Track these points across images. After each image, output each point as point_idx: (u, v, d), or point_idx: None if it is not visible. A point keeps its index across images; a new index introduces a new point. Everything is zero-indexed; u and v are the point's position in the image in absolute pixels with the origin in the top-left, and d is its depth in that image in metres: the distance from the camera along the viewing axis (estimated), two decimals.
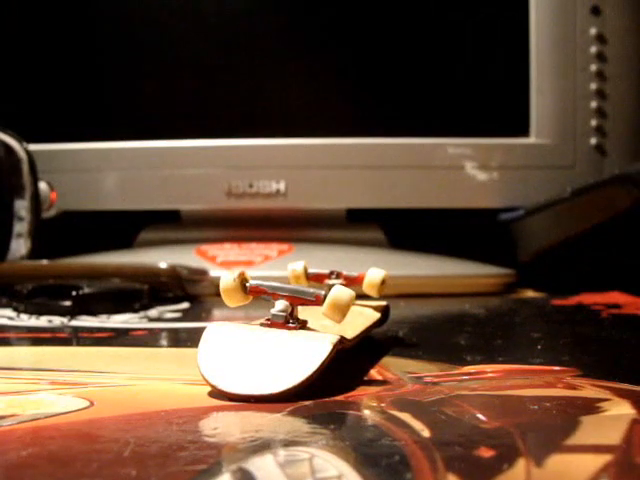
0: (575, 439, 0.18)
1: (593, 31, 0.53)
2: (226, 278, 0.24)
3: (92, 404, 0.21)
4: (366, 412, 0.21)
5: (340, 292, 0.23)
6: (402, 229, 0.57)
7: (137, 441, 0.17)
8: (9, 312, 0.39)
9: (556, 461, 0.16)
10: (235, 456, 0.17)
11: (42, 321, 0.37)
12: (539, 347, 0.31)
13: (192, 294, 0.46)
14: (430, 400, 0.22)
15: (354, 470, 0.16)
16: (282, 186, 0.54)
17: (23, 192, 0.48)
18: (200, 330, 0.24)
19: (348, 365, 0.25)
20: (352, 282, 0.30)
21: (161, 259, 0.45)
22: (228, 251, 0.52)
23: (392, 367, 0.26)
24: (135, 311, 0.40)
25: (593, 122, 0.53)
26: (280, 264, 0.48)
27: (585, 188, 0.49)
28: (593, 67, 0.53)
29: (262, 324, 0.24)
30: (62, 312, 0.38)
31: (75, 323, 0.37)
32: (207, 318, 0.40)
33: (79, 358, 0.29)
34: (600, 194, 0.48)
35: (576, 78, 0.53)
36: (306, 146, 0.55)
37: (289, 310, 0.24)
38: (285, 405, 0.21)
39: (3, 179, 0.49)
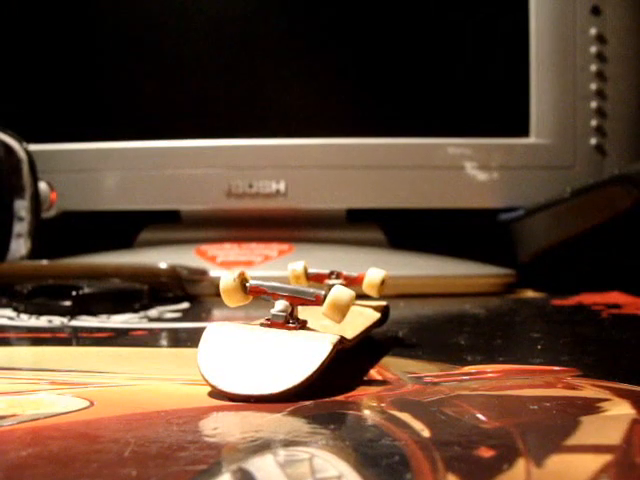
0: (575, 439, 0.18)
1: (593, 31, 0.53)
2: (226, 278, 0.24)
3: (92, 404, 0.21)
4: (366, 412, 0.21)
5: (340, 292, 0.23)
6: (402, 229, 0.57)
7: (137, 441, 0.17)
8: (9, 312, 0.39)
9: (556, 461, 0.16)
10: (235, 456, 0.17)
11: (42, 321, 0.37)
12: (539, 347, 0.31)
13: (192, 294, 0.46)
14: (430, 400, 0.22)
15: (354, 470, 0.16)
16: (282, 186, 0.54)
17: (23, 192, 0.48)
18: (200, 330, 0.24)
19: (348, 365, 0.25)
20: (352, 282, 0.30)
21: (161, 259, 0.45)
22: (228, 251, 0.52)
23: (392, 367, 0.26)
24: (135, 311, 0.40)
25: (593, 122, 0.53)
26: (280, 264, 0.48)
27: (585, 188, 0.49)
28: (593, 67, 0.53)
29: (262, 324, 0.24)
30: (62, 312, 0.38)
31: (75, 323, 0.37)
32: (207, 318, 0.40)
33: (79, 358, 0.29)
34: (600, 194, 0.48)
35: (576, 78, 0.53)
36: (306, 146, 0.55)
37: (289, 310, 0.24)
38: (285, 405, 0.21)
39: (3, 179, 0.49)
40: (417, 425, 0.19)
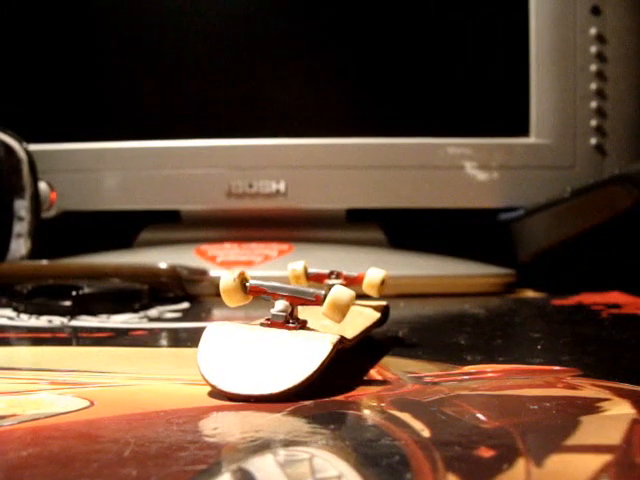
0: (575, 439, 0.18)
1: (593, 31, 0.53)
2: (226, 278, 0.24)
3: (92, 404, 0.21)
4: (366, 412, 0.21)
5: (340, 292, 0.23)
6: (402, 229, 0.57)
7: (137, 441, 0.17)
8: (9, 312, 0.39)
9: (556, 461, 0.16)
10: (235, 456, 0.17)
11: (42, 321, 0.37)
12: (539, 347, 0.31)
13: (192, 294, 0.46)
14: (430, 400, 0.22)
15: (354, 470, 0.16)
16: (282, 186, 0.54)
17: (23, 192, 0.48)
18: (200, 330, 0.24)
19: (348, 365, 0.25)
20: (352, 282, 0.30)
21: (161, 259, 0.45)
22: (228, 251, 0.52)
23: (392, 367, 0.26)
24: (135, 311, 0.40)
25: (593, 122, 0.53)
26: (280, 264, 0.48)
27: (585, 188, 0.49)
28: (593, 67, 0.53)
29: (262, 324, 0.24)
30: (62, 312, 0.38)
31: (75, 323, 0.37)
32: (207, 318, 0.40)
33: (79, 358, 0.29)
34: (600, 194, 0.48)
35: (576, 78, 0.53)
36: (306, 146, 0.55)
37: (289, 310, 0.24)
38: (285, 405, 0.21)
39: (3, 179, 0.49)
40: (417, 425, 0.19)
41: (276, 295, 0.24)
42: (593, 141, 0.53)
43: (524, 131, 0.54)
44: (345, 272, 0.31)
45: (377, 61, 0.56)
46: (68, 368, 0.26)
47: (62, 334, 0.34)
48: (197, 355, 0.23)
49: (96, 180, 0.56)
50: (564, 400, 0.22)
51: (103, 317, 0.38)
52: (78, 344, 0.32)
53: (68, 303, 0.38)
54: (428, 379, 0.24)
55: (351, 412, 0.21)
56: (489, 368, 0.26)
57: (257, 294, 0.24)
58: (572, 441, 0.18)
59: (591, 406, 0.21)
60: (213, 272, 0.47)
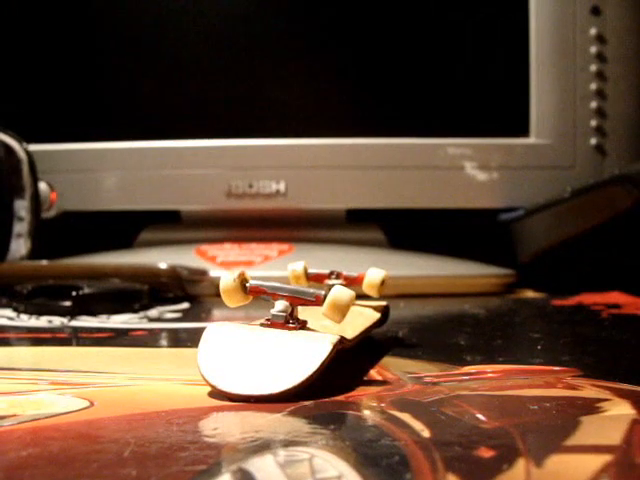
0: (575, 439, 0.18)
1: (593, 31, 0.53)
2: (226, 278, 0.24)
3: (92, 404, 0.21)
4: (366, 412, 0.21)
5: (340, 292, 0.23)
6: (402, 229, 0.57)
7: (137, 441, 0.17)
8: (9, 312, 0.39)
9: (556, 461, 0.16)
10: (235, 456, 0.17)
11: (42, 321, 0.37)
12: (539, 347, 0.31)
13: (192, 294, 0.46)
14: (430, 400, 0.22)
15: (354, 470, 0.16)
16: (282, 186, 0.54)
17: (23, 192, 0.48)
18: (200, 330, 0.24)
19: (348, 365, 0.25)
20: (352, 282, 0.30)
21: (161, 259, 0.45)
22: (228, 251, 0.52)
23: (392, 367, 0.26)
24: (135, 311, 0.40)
25: (593, 122, 0.53)
26: (280, 264, 0.48)
27: (585, 188, 0.49)
28: (593, 67, 0.53)
29: (262, 324, 0.24)
30: (62, 312, 0.38)
31: (75, 323, 0.37)
32: (207, 318, 0.40)
33: (79, 358, 0.29)
34: (600, 194, 0.48)
35: (576, 78, 0.53)
36: (306, 146, 0.55)
37: (289, 310, 0.24)
38: (285, 405, 0.21)
39: (3, 179, 0.49)
40: (417, 425, 0.19)
41: (276, 295, 0.24)
42: (593, 141, 0.53)
43: (524, 131, 0.54)
44: (345, 272, 0.31)
45: (377, 61, 0.56)
46: (68, 368, 0.26)
47: (62, 334, 0.34)
48: (197, 355, 0.23)
49: (96, 180, 0.56)
50: (564, 400, 0.22)
51: (103, 317, 0.38)
52: (78, 344, 0.32)
53: (68, 303, 0.38)
54: (428, 379, 0.24)
55: (351, 412, 0.21)
56: (489, 368, 0.26)
57: (257, 294, 0.24)
58: (572, 441, 0.18)
59: (591, 406, 0.21)
60: (213, 272, 0.47)
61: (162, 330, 0.35)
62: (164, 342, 0.33)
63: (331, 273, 0.31)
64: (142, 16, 0.57)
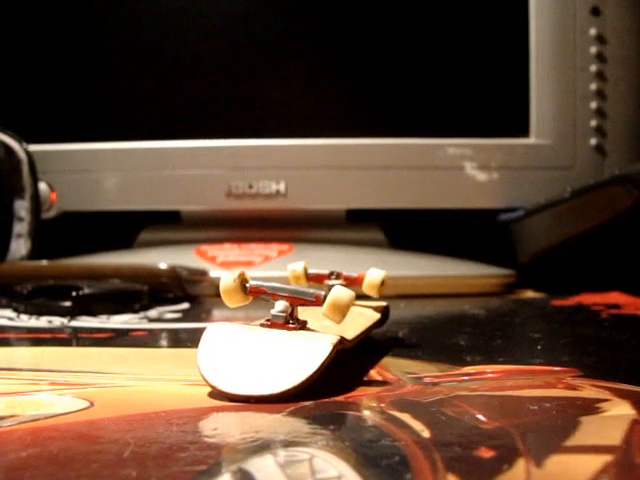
0: (575, 439, 0.18)
1: (593, 31, 0.53)
2: (226, 279, 0.24)
3: (92, 405, 0.21)
4: (366, 413, 0.21)
5: (340, 293, 0.23)
6: (402, 229, 0.57)
7: (137, 442, 0.17)
8: (9, 313, 0.39)
9: (556, 462, 0.16)
10: (235, 457, 0.17)
11: (42, 322, 0.37)
12: (539, 347, 0.31)
13: (192, 294, 0.46)
14: (430, 401, 0.22)
15: (354, 471, 0.16)
16: (282, 187, 0.54)
17: (23, 193, 0.48)
18: (200, 330, 0.24)
19: (348, 366, 0.25)
20: (352, 282, 0.30)
21: (161, 259, 0.45)
22: (228, 251, 0.52)
23: (392, 368, 0.26)
24: (135, 312, 0.40)
25: (593, 122, 0.53)
26: (280, 264, 0.48)
27: (585, 188, 0.49)
28: (593, 67, 0.53)
29: (262, 324, 0.24)
30: (62, 313, 0.38)
31: (75, 324, 0.37)
32: (207, 318, 0.40)
33: (79, 359, 0.29)
34: (600, 194, 0.48)
35: (576, 78, 0.53)
36: (306, 146, 0.55)
37: (289, 311, 0.24)
38: (285, 406, 0.21)
39: (3, 180, 0.49)
40: (417, 425, 0.19)
41: (276, 296, 0.24)
42: (593, 141, 0.53)
43: (524, 131, 0.54)
44: (345, 273, 0.31)
45: (377, 61, 0.56)
46: (68, 369, 0.26)
47: (62, 335, 0.34)
48: (197, 356, 0.23)
49: (96, 180, 0.56)
50: (564, 401, 0.22)
51: (103, 318, 0.38)
52: (78, 345, 0.32)
53: (68, 304, 0.38)
54: (428, 380, 0.24)
55: (351, 413, 0.21)
56: (489, 369, 0.26)
57: (257, 295, 0.24)
58: (572, 442, 0.18)
59: (591, 407, 0.21)
60: (213, 273, 0.47)
61: (162, 330, 0.35)
62: (164, 342, 0.33)
63: (331, 273, 0.31)
64: (142, 16, 0.57)
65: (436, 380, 0.24)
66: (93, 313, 0.39)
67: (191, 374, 0.24)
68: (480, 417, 0.20)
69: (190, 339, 0.33)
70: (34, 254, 0.48)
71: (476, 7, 0.55)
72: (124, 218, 0.57)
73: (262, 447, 0.17)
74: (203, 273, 0.47)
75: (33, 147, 0.50)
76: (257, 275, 0.26)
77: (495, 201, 0.54)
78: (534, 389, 0.24)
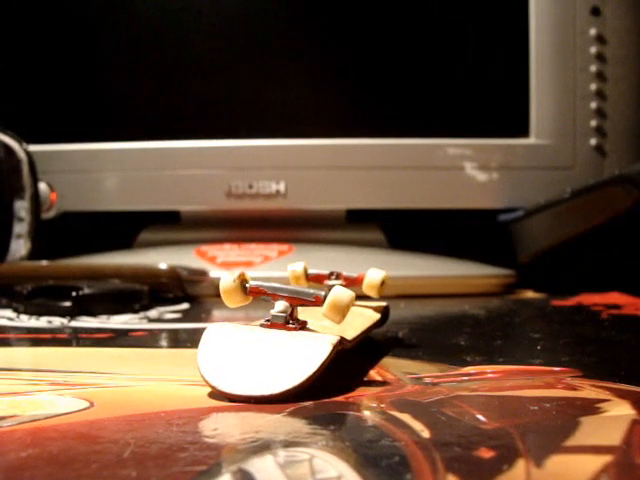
0: (575, 440, 0.18)
1: (593, 32, 0.53)
2: (226, 279, 0.24)
3: (92, 405, 0.21)
4: (366, 413, 0.21)
5: (340, 293, 0.23)
6: (402, 230, 0.57)
7: (137, 442, 0.17)
8: (9, 313, 0.39)
9: (556, 462, 0.16)
10: (235, 457, 0.17)
11: (42, 322, 0.37)
12: (539, 348, 0.31)
13: (192, 295, 0.46)
14: (430, 401, 0.22)
15: (354, 471, 0.16)
16: (282, 187, 0.54)
17: (23, 193, 0.48)
18: (200, 331, 0.24)
19: (348, 366, 0.25)
20: (352, 283, 0.30)
21: (161, 260, 0.45)
22: (228, 252, 0.52)
23: (392, 368, 0.26)
24: (135, 312, 0.40)
25: (593, 122, 0.53)
26: (280, 265, 0.48)
27: (585, 188, 0.49)
28: (593, 68, 0.53)
29: (262, 325, 0.24)
30: (62, 313, 0.38)
31: (75, 324, 0.37)
32: (207, 319, 0.40)
33: (79, 359, 0.29)
34: (600, 194, 0.48)
35: (576, 79, 0.53)
36: (306, 146, 0.55)
37: (289, 311, 0.24)
38: (285, 406, 0.21)
39: (3, 180, 0.49)
40: (417, 426, 0.19)
41: (276, 296, 0.24)
42: (593, 141, 0.53)
43: (524, 131, 0.54)
44: (345, 273, 0.31)
45: (377, 61, 0.56)
46: (68, 369, 0.26)
47: (62, 335, 0.34)
48: (197, 356, 0.23)
49: (96, 181, 0.56)
50: (564, 401, 0.22)
51: (103, 318, 0.38)
52: (78, 345, 0.32)
53: (68, 304, 0.38)
54: (428, 380, 0.24)
55: (351, 413, 0.21)
56: (489, 369, 0.26)
57: (257, 295, 0.24)
58: (572, 442, 0.18)
59: (591, 407, 0.21)
60: (213, 273, 0.47)
61: (162, 331, 0.35)
62: (164, 343, 0.33)
63: (331, 274, 0.31)
64: (142, 16, 0.57)
65: (436, 380, 0.24)
66: (93, 313, 0.39)
67: (191, 374, 0.24)
68: (480, 417, 0.20)
69: (190, 339, 0.33)
70: (34, 254, 0.48)
71: (476, 7, 0.55)
72: (124, 218, 0.57)
73: (262, 447, 0.17)
74: (203, 273, 0.47)
75: (33, 147, 0.50)
76: (257, 275, 0.26)
77: (495, 201, 0.54)
78: (534, 389, 0.24)
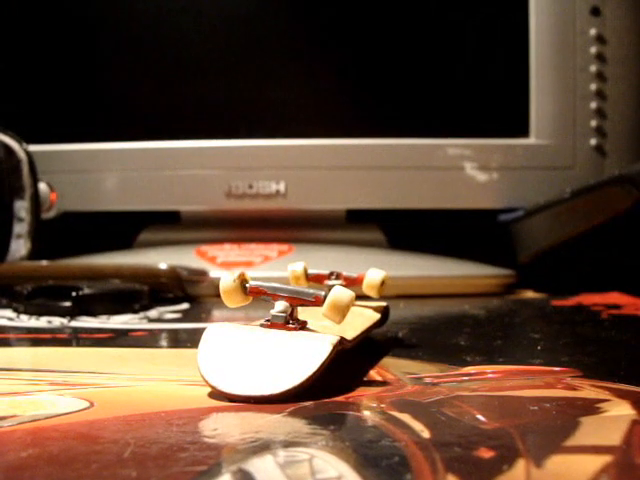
0: (575, 440, 0.18)
1: (593, 32, 0.53)
2: (226, 279, 0.24)
3: (92, 405, 0.21)
4: (366, 413, 0.21)
5: (340, 293, 0.23)
6: (402, 230, 0.57)
7: (137, 442, 0.17)
8: (9, 313, 0.39)
9: (556, 462, 0.16)
10: (235, 457, 0.17)
11: (42, 322, 0.37)
12: (539, 348, 0.31)
13: (192, 295, 0.46)
14: (430, 401, 0.22)
15: (354, 471, 0.16)
16: (282, 187, 0.54)
17: (23, 193, 0.48)
18: (200, 331, 0.24)
19: (348, 366, 0.25)
20: (352, 283, 0.30)
21: (161, 260, 0.45)
22: (228, 252, 0.52)
23: (392, 368, 0.26)
24: (135, 312, 0.40)
25: (593, 123, 0.53)
26: (280, 265, 0.48)
27: (585, 188, 0.49)
28: (593, 68, 0.53)
29: (262, 325, 0.24)
30: (62, 313, 0.38)
31: (75, 324, 0.37)
32: (207, 319, 0.40)
33: (79, 359, 0.29)
34: (600, 194, 0.48)
35: (576, 79, 0.53)
36: (306, 146, 0.55)
37: (289, 311, 0.24)
38: (285, 406, 0.21)
39: (3, 180, 0.49)
40: (417, 426, 0.19)
41: (276, 296, 0.24)
42: (593, 141, 0.53)
43: (524, 132, 0.54)
44: (345, 273, 0.31)
45: (377, 61, 0.56)
46: (68, 369, 0.26)
47: (62, 335, 0.34)
48: (197, 356, 0.23)
49: (96, 181, 0.56)
50: (564, 401, 0.22)
51: (103, 318, 0.38)
52: (78, 345, 0.32)
53: (68, 304, 0.38)
54: (428, 380, 0.24)
55: (351, 413, 0.21)
56: (489, 369, 0.26)
57: (257, 295, 0.24)
58: (572, 442, 0.18)
59: (591, 407, 0.21)
60: (213, 273, 0.47)
61: (162, 331, 0.35)
62: (164, 343, 0.33)
63: (331, 274, 0.31)
64: (142, 16, 0.57)
65: (436, 380, 0.24)
66: (93, 313, 0.39)
67: (191, 374, 0.24)
68: (480, 417, 0.20)
69: (190, 339, 0.33)
70: (34, 254, 0.48)
71: (476, 7, 0.55)
72: (124, 218, 0.57)
73: (262, 447, 0.17)
74: (203, 273, 0.47)
75: (33, 147, 0.50)
76: (257, 275, 0.26)
77: (495, 201, 0.54)
78: (534, 389, 0.24)
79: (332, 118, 0.56)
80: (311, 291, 0.24)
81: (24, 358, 0.30)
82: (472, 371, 0.26)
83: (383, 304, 0.31)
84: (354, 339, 0.25)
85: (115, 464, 0.16)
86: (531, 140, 0.54)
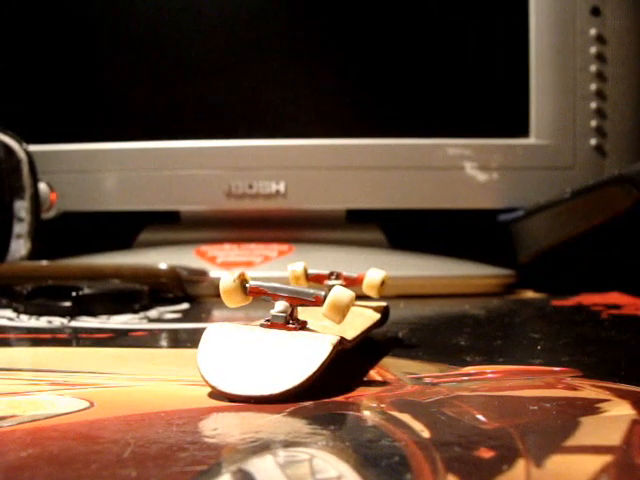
0: (575, 440, 0.18)
1: (593, 32, 0.53)
2: (226, 279, 0.24)
3: (92, 405, 0.21)
4: (366, 413, 0.21)
5: (340, 293, 0.23)
6: (402, 229, 0.57)
7: (137, 442, 0.17)
8: (9, 313, 0.39)
9: (556, 462, 0.16)
10: (235, 457, 0.17)
11: (42, 322, 0.37)
12: (539, 348, 0.31)
13: (192, 295, 0.46)
14: (430, 401, 0.22)
15: (354, 471, 0.16)
16: (282, 187, 0.54)
17: (23, 193, 0.48)
18: (200, 331, 0.24)
19: (348, 366, 0.25)
20: (352, 283, 0.30)
21: (161, 260, 0.45)
22: (228, 252, 0.52)
23: (392, 368, 0.26)
24: (135, 312, 0.40)
25: (593, 123, 0.53)
26: (280, 265, 0.48)
27: (585, 188, 0.49)
28: (593, 68, 0.53)
29: (262, 325, 0.24)
30: (62, 313, 0.38)
31: (75, 324, 0.37)
32: (207, 319, 0.40)
33: (79, 359, 0.29)
34: (600, 194, 0.48)
35: (576, 79, 0.53)
36: (306, 146, 0.55)
37: (289, 311, 0.24)
38: (285, 406, 0.21)
39: (3, 180, 0.49)
40: (417, 426, 0.19)
41: (276, 296, 0.24)
42: (593, 141, 0.53)
43: (524, 132, 0.54)
44: (345, 273, 0.31)
45: (377, 61, 0.56)
46: (68, 369, 0.26)
47: (62, 335, 0.34)
48: (197, 356, 0.23)
49: (96, 181, 0.56)
50: (564, 401, 0.22)
51: (103, 318, 0.38)
52: (78, 345, 0.32)
53: (68, 304, 0.38)
54: (428, 380, 0.24)
55: (351, 413, 0.21)
56: (489, 369, 0.26)
57: (257, 295, 0.24)
58: (572, 442, 0.18)
59: (591, 407, 0.21)
60: (213, 273, 0.47)
61: (162, 331, 0.35)
62: (164, 343, 0.33)
63: (331, 274, 0.31)
64: (142, 16, 0.57)
65: (436, 380, 0.24)
66: (93, 313, 0.39)
67: (191, 374, 0.24)
68: (480, 417, 0.20)
69: (190, 339, 0.33)
70: (34, 254, 0.48)
71: (476, 7, 0.55)
72: (124, 218, 0.57)
73: (262, 447, 0.17)
74: (203, 273, 0.47)
75: (33, 147, 0.50)
76: (257, 275, 0.26)
77: (495, 201, 0.54)
78: (534, 389, 0.24)
79: (332, 118, 0.56)
80: (311, 291, 0.24)
81: (24, 358, 0.30)
82: (472, 371, 0.26)
83: (383, 304, 0.31)
84: (354, 339, 0.25)
85: (115, 464, 0.16)
86: (531, 140, 0.54)
